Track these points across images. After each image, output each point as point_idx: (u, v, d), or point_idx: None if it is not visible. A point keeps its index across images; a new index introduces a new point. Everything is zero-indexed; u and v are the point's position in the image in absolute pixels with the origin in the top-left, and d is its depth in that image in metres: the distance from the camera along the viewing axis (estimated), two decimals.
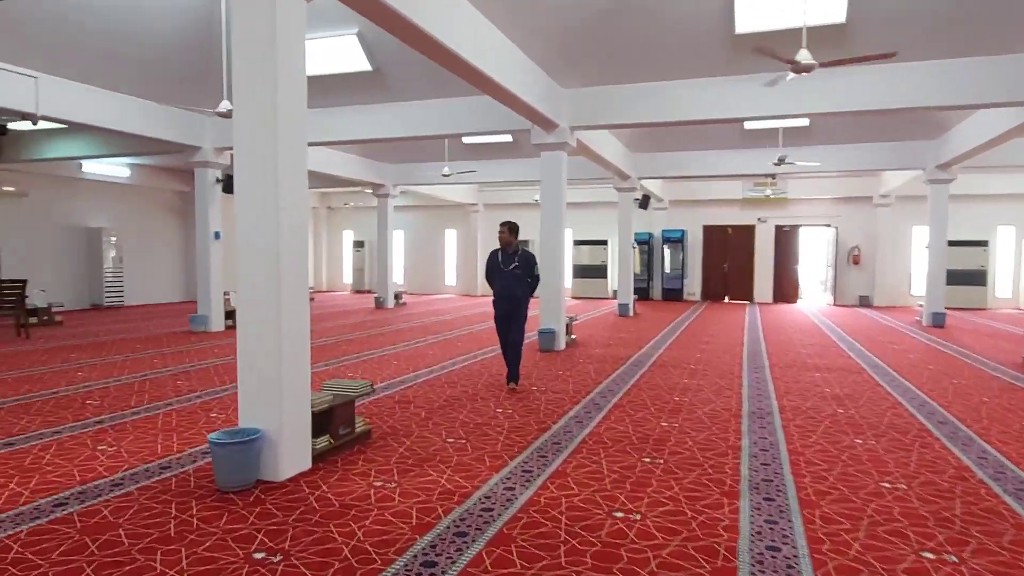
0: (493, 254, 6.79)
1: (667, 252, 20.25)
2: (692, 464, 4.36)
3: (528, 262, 6.62)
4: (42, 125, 10.70)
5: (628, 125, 9.78)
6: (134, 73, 9.22)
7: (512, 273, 6.57)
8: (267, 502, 3.65)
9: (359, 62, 8.99)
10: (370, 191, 18.22)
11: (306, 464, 4.20)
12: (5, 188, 14.11)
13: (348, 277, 24.40)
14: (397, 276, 20.82)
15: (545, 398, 6.35)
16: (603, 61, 8.66)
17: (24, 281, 10.94)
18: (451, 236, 23.10)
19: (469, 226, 22.51)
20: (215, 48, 7.89)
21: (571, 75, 9.03)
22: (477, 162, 15.47)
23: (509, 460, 4.42)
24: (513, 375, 6.75)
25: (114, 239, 16.62)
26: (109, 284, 16.52)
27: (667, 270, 20.27)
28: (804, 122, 11.98)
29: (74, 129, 11.84)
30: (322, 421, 4.44)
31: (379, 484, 3.94)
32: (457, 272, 23.10)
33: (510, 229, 6.62)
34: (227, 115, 7.29)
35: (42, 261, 15.05)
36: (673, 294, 20.18)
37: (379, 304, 17.15)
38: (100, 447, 4.68)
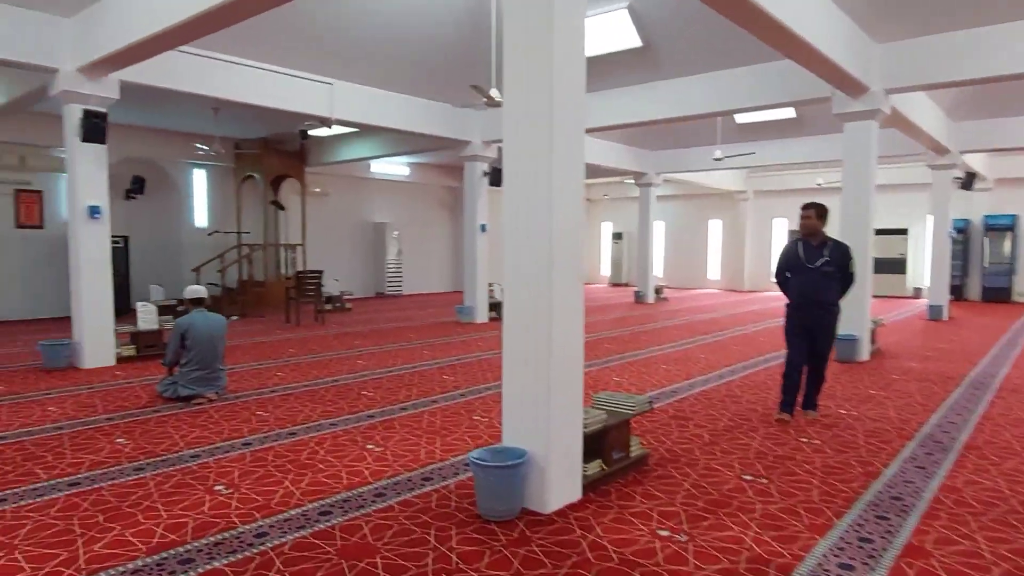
0: (791, 246, 5.40)
1: (987, 243, 16.58)
2: None
3: (842, 257, 5.13)
4: (335, 129, 11.73)
5: (965, 82, 7.64)
6: (411, 73, 9.52)
7: (821, 272, 5.09)
8: (533, 542, 3.07)
9: (629, 38, 8.28)
10: (631, 180, 17.50)
11: (576, 494, 3.58)
12: (315, 190, 16.03)
13: (606, 270, 24.02)
14: (657, 269, 19.84)
15: (861, 427, 5.03)
16: (929, 1, 6.85)
17: (321, 272, 12.10)
18: (715, 227, 21.44)
19: (736, 216, 20.68)
20: (483, 41, 7.71)
21: (887, 24, 7.27)
22: (752, 143, 13.87)
23: (835, 519, 3.34)
24: (811, 402, 5.41)
25: (396, 233, 18.12)
26: (391, 274, 18.09)
27: (987, 264, 16.63)
28: None
29: (363, 131, 12.83)
30: (594, 443, 3.78)
31: (665, 534, 3.16)
32: (721, 266, 21.43)
33: (818, 213, 5.15)
34: (496, 103, 7.04)
35: (337, 253, 16.82)
36: (996, 294, 16.51)
37: (639, 299, 16.40)
38: (368, 446, 4.55)
